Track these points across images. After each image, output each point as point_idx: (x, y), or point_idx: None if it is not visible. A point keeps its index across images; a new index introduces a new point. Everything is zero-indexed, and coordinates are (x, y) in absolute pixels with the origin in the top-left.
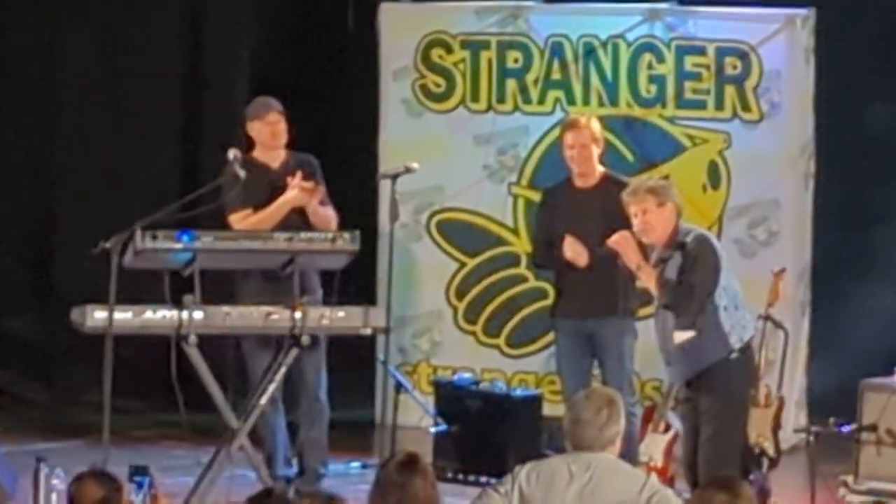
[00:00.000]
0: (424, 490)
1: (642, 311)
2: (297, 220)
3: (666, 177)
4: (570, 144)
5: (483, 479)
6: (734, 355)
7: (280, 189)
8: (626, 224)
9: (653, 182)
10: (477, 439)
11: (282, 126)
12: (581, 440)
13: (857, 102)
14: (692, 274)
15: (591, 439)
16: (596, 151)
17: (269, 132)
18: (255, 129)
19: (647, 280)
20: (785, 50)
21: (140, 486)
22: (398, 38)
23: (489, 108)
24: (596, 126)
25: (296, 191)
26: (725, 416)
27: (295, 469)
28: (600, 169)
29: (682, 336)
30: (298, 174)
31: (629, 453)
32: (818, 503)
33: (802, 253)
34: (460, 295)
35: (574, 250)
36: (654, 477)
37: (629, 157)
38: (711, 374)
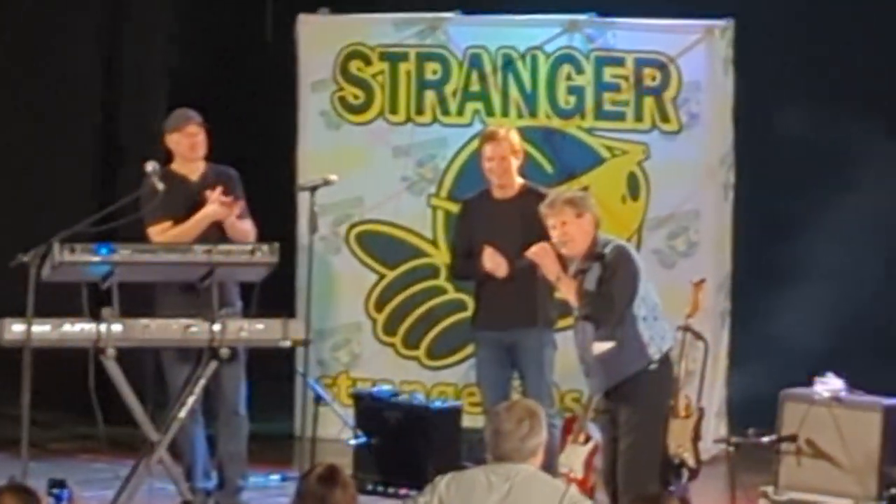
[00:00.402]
0: (345, 502)
1: (562, 323)
2: (216, 233)
3: (585, 188)
4: (489, 157)
5: (403, 491)
6: (653, 366)
7: (199, 201)
8: (545, 235)
9: (571, 193)
10: (396, 451)
11: (200, 138)
12: (502, 451)
13: (776, 113)
14: (611, 285)
15: (512, 450)
16: (515, 163)
17: (187, 144)
18: (173, 141)
19: (566, 291)
20: (704, 61)
21: (59, 499)
22: (316, 50)
23: (408, 119)
24: (515, 137)
25: (214, 205)
26: (644, 427)
27: (214, 482)
28: (519, 180)
29: (601, 347)
30: (218, 189)
31: (549, 464)
32: None
33: (722, 263)
34: (380, 307)
35: (493, 261)
36: (574, 488)
37: (548, 168)
38: (631, 384)
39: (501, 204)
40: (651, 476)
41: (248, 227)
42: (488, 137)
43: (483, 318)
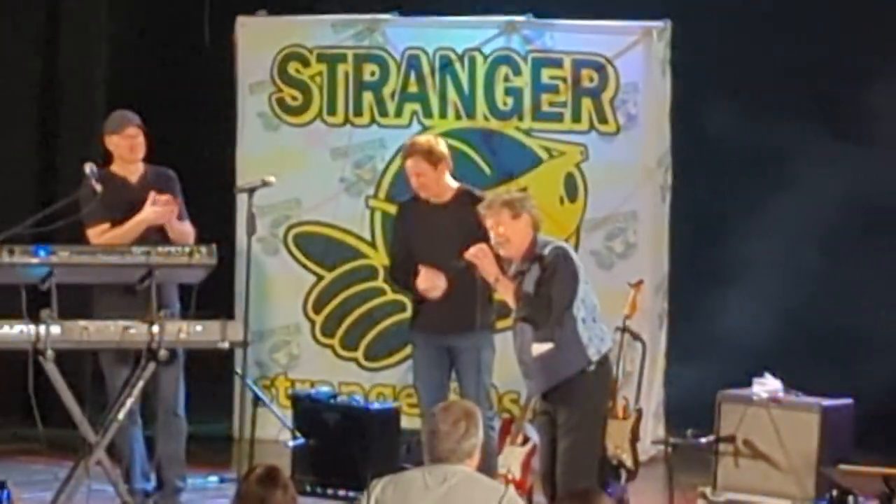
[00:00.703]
0: (285, 503)
1: (500, 324)
2: (156, 234)
3: (523, 189)
4: (409, 172)
5: (341, 492)
6: (592, 367)
7: (139, 203)
8: (482, 238)
9: (509, 195)
10: (335, 452)
11: (140, 140)
12: (439, 452)
13: (713, 114)
14: (550, 286)
15: (449, 451)
16: (441, 172)
17: (126, 146)
18: (113, 142)
19: (504, 293)
20: (641, 62)
21: None
22: (255, 51)
23: (346, 121)
24: (436, 148)
25: (153, 209)
26: (582, 428)
27: (153, 483)
28: (453, 184)
29: (540, 348)
30: (155, 193)
31: (488, 466)
32: None
33: (660, 264)
34: (318, 308)
35: (428, 282)
36: (511, 490)
37: (486, 169)
38: (569, 386)
39: (437, 208)
40: (589, 477)
41: (187, 229)
42: (406, 154)
43: (421, 322)
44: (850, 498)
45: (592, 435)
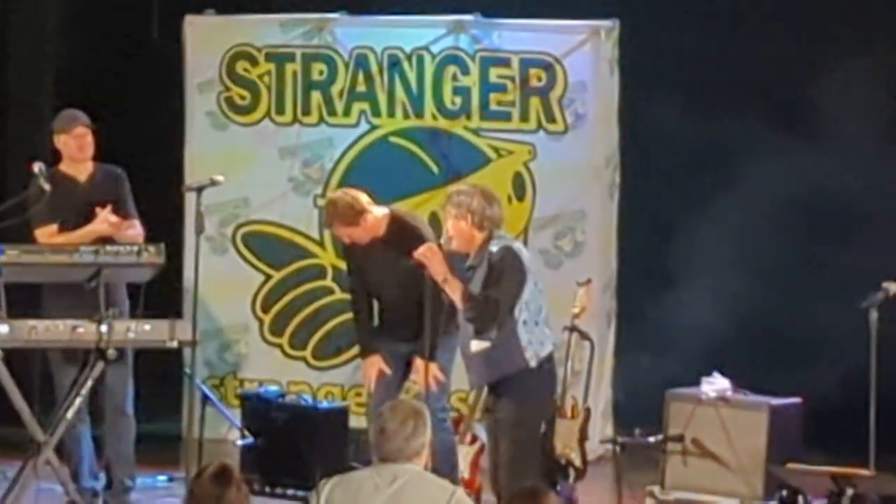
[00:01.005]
0: (239, 501)
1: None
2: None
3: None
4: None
5: (290, 491)
6: (532, 365)
7: (88, 202)
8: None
9: (457, 192)
10: (284, 452)
11: (88, 139)
12: (387, 451)
13: (661, 112)
14: (496, 288)
15: (397, 450)
16: (360, 223)
17: (75, 145)
18: (61, 142)
19: (452, 293)
20: (589, 61)
21: None
22: (203, 50)
23: (294, 120)
24: (345, 207)
25: (105, 223)
26: (521, 428)
27: (102, 482)
28: (379, 213)
29: (478, 345)
30: (108, 208)
31: (450, 464)
32: None
33: (608, 263)
34: (266, 307)
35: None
36: (461, 490)
37: (434, 168)
38: (509, 385)
39: (375, 243)
40: (532, 475)
41: (136, 232)
42: (327, 224)
43: (383, 331)
44: (801, 498)
45: (533, 433)
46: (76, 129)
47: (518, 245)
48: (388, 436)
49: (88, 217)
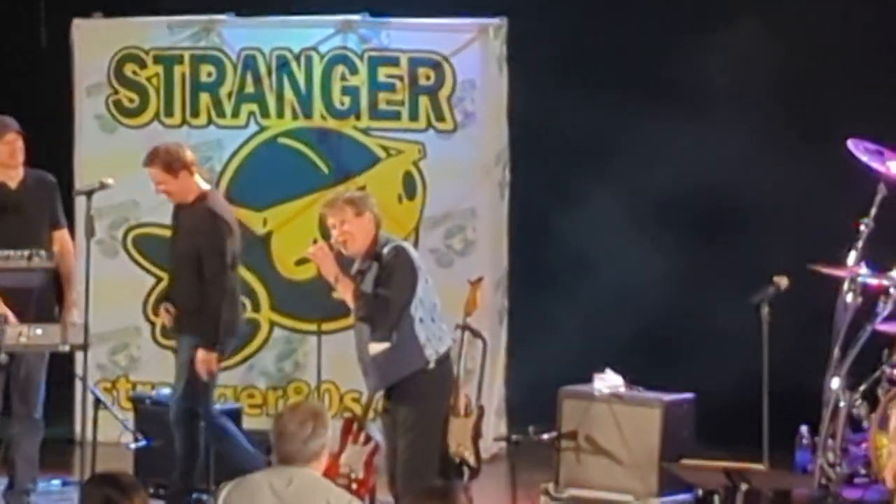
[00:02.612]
0: None
1: (343, 323)
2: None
3: (362, 188)
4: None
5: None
6: (430, 366)
7: (19, 207)
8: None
9: (351, 193)
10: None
11: (19, 145)
12: (285, 453)
13: (551, 110)
14: (388, 287)
15: (295, 452)
16: (180, 178)
17: (7, 152)
18: None
19: (343, 292)
20: (478, 59)
21: None
22: (91, 53)
23: (183, 122)
24: (171, 153)
25: None
26: (421, 427)
27: (3, 483)
28: (204, 186)
29: (377, 348)
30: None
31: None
32: None
33: (499, 261)
34: (158, 310)
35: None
36: (356, 501)
37: (324, 169)
38: (407, 386)
39: (182, 210)
40: (430, 476)
41: (68, 248)
42: (146, 162)
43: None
44: (716, 497)
45: (432, 433)
46: (7, 135)
47: (408, 244)
48: (286, 437)
49: (21, 223)
